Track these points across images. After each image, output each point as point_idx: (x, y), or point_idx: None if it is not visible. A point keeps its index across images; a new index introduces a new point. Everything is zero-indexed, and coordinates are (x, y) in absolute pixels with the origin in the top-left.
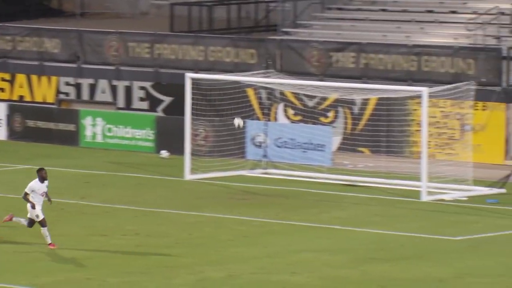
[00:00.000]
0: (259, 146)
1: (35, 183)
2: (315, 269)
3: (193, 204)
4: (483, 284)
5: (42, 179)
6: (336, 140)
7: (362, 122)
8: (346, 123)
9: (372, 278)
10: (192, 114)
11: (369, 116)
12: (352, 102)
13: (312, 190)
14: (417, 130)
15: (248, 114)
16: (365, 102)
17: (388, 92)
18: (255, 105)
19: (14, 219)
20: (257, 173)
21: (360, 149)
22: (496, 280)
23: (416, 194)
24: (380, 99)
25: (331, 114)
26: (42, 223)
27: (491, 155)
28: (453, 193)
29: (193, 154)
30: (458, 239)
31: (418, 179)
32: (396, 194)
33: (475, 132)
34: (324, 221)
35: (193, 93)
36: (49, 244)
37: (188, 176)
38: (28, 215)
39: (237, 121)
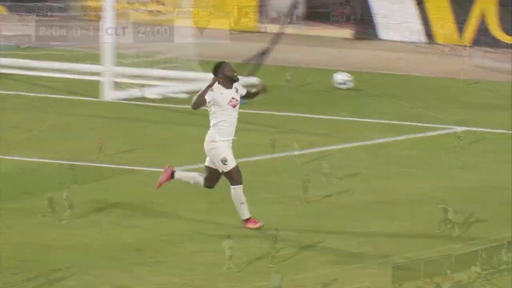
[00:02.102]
0: None
1: (216, 91)
2: None
3: None
4: None
5: (230, 82)
6: None
7: None
8: None
9: None
10: None
11: None
12: None
13: None
14: None
15: None
16: None
17: None
18: None
19: (177, 175)
20: None
21: None
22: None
23: (94, 88)
24: None
25: None
26: (233, 177)
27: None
28: (163, 85)
29: None
30: None
31: (95, 59)
32: (54, 88)
33: None
34: None
35: None
36: (247, 220)
37: None
38: (206, 163)
39: None
